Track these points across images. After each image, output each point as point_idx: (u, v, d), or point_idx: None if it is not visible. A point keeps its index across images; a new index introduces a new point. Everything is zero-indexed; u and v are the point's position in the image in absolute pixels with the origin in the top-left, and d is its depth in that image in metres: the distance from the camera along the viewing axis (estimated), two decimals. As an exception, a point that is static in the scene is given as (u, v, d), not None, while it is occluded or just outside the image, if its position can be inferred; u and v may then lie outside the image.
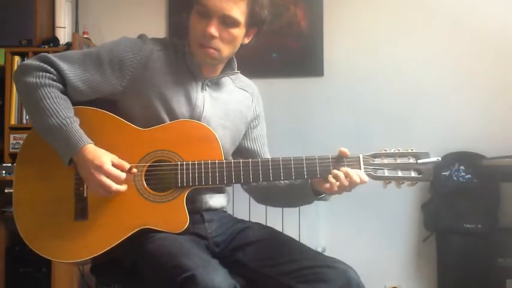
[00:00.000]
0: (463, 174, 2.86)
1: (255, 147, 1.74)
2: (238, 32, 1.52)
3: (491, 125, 2.95)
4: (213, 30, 1.47)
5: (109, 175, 1.42)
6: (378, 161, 1.49)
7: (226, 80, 1.66)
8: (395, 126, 2.98)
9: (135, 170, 1.47)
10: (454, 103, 2.99)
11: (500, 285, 2.71)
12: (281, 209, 2.76)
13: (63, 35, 3.11)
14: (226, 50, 1.53)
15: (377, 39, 3.07)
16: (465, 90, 3.00)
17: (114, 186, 1.43)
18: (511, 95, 2.97)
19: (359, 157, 1.48)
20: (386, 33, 3.07)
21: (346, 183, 1.44)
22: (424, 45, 3.03)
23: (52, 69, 1.48)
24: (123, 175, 1.44)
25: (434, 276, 2.95)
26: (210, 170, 1.48)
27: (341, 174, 1.44)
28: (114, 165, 1.44)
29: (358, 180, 1.44)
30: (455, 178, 2.87)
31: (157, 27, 3.19)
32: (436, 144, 2.80)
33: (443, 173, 2.88)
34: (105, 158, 1.42)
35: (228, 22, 1.48)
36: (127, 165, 1.46)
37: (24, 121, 2.95)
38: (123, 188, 1.45)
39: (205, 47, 1.50)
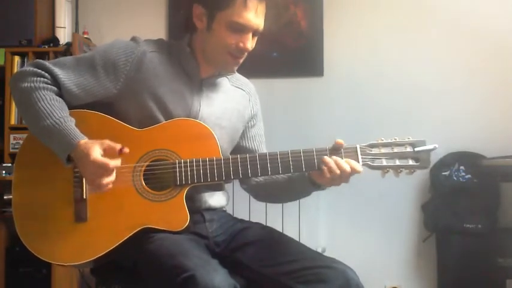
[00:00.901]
0: (463, 174, 2.86)
1: (253, 146, 1.73)
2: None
3: (491, 125, 2.94)
4: (250, 44, 1.53)
5: (97, 164, 1.36)
6: (375, 150, 1.49)
7: (223, 80, 1.67)
8: (395, 126, 2.98)
9: (126, 149, 1.43)
10: (454, 103, 2.99)
11: (500, 285, 2.71)
12: (281, 209, 2.77)
13: (63, 35, 3.11)
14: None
15: (377, 39, 3.07)
16: (465, 90, 3.00)
17: (110, 168, 1.37)
18: (511, 95, 2.97)
19: (356, 147, 1.48)
20: (386, 33, 3.07)
21: (337, 171, 1.43)
22: (424, 45, 3.03)
23: (46, 74, 1.48)
24: (112, 162, 1.37)
25: (434, 276, 2.94)
26: (208, 167, 1.48)
27: (331, 162, 1.44)
28: (105, 150, 1.39)
29: (347, 168, 1.43)
30: (455, 178, 2.87)
31: (157, 28, 3.19)
32: (436, 144, 2.79)
33: (443, 173, 2.88)
34: (94, 150, 1.37)
35: (256, 34, 1.55)
36: (118, 146, 1.41)
37: (24, 121, 2.95)
38: (112, 177, 1.40)
39: (237, 58, 1.55)
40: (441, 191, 2.88)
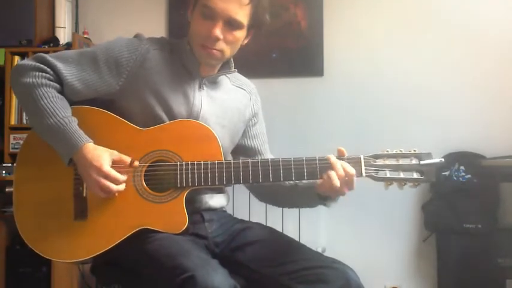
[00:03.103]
0: (463, 174, 2.86)
1: (255, 145, 1.73)
2: (241, 34, 1.53)
3: (491, 125, 2.95)
4: (218, 32, 1.47)
5: (108, 177, 1.41)
6: (379, 162, 1.46)
7: (224, 79, 1.66)
8: (395, 126, 2.98)
9: (136, 162, 1.46)
10: (454, 103, 2.99)
11: (500, 285, 2.72)
12: (281, 209, 2.77)
13: (63, 35, 3.11)
14: (229, 51, 1.54)
15: (377, 39, 3.07)
16: (465, 90, 3.00)
17: (114, 188, 1.42)
18: (511, 95, 2.97)
19: (360, 158, 1.46)
20: (386, 33, 3.07)
21: (341, 172, 1.42)
22: (423, 45, 3.03)
23: (48, 69, 1.48)
24: (121, 177, 1.43)
25: (434, 276, 2.95)
26: (209, 171, 1.47)
27: (337, 162, 1.43)
28: (114, 161, 1.44)
29: (352, 171, 1.42)
30: (455, 178, 2.87)
31: (157, 27, 3.19)
32: (436, 144, 2.80)
33: (443, 173, 2.88)
34: (104, 159, 1.42)
35: (233, 25, 1.49)
36: (128, 159, 1.45)
37: (24, 121, 2.96)
38: (122, 187, 1.44)
39: (208, 48, 1.50)
40: (441, 191, 2.88)
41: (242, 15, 1.49)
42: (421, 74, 3.03)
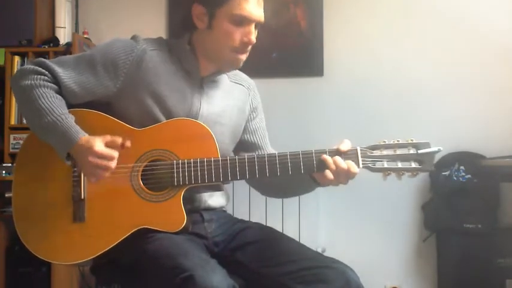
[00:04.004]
0: (463, 174, 2.86)
1: (256, 140, 1.73)
2: None
3: (491, 125, 2.95)
4: (254, 37, 1.52)
5: (101, 155, 1.39)
6: (376, 152, 1.46)
7: (222, 77, 1.66)
8: (395, 126, 2.98)
9: (128, 143, 1.44)
10: (454, 103, 2.99)
11: (500, 285, 2.71)
12: (281, 209, 2.77)
13: (63, 35, 3.11)
14: None
15: (377, 39, 3.07)
16: (465, 90, 3.00)
17: (110, 164, 1.40)
18: (511, 95, 2.96)
19: (356, 149, 1.46)
20: (386, 33, 3.07)
21: (333, 167, 1.42)
22: (423, 45, 3.03)
23: (46, 72, 1.49)
24: (115, 153, 1.41)
25: (434, 276, 2.95)
26: (205, 168, 1.47)
27: (329, 159, 1.43)
28: (107, 144, 1.41)
29: (345, 166, 1.42)
30: (455, 178, 2.87)
31: (157, 27, 3.19)
32: (436, 144, 2.78)
33: (443, 173, 2.88)
34: (96, 140, 1.40)
35: (257, 27, 1.54)
36: (119, 140, 1.43)
37: (24, 121, 2.95)
38: (114, 163, 1.41)
39: (242, 53, 1.54)
40: (441, 191, 2.88)
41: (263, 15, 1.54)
42: (421, 74, 3.02)
